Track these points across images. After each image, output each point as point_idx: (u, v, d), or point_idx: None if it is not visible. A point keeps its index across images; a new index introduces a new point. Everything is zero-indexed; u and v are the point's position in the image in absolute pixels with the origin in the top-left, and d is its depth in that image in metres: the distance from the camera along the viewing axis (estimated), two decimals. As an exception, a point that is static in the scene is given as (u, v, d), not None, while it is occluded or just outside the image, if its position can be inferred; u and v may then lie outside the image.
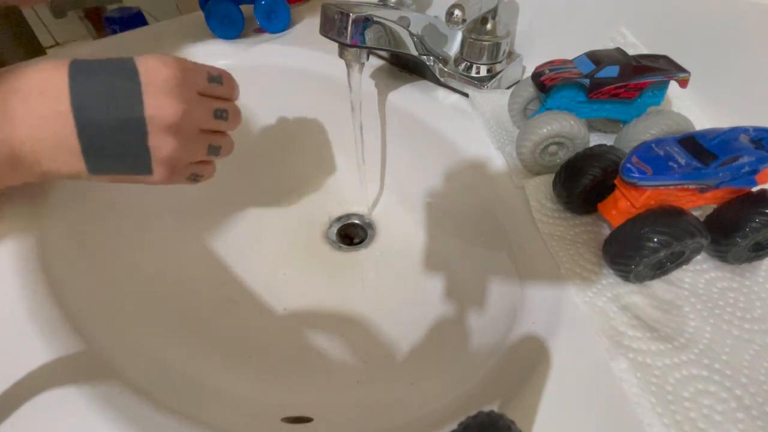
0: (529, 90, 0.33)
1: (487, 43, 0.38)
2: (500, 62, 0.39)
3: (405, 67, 0.44)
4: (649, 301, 0.24)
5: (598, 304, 0.24)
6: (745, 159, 0.22)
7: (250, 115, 0.46)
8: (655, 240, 0.22)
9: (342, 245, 0.43)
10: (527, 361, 0.22)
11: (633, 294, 0.24)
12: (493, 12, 0.37)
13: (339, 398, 0.29)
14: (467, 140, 0.36)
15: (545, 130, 0.29)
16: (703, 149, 0.23)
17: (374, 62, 0.45)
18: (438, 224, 0.41)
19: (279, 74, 0.47)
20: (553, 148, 0.30)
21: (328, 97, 0.45)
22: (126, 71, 0.25)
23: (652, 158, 0.23)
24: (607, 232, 0.27)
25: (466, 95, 0.40)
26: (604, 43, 0.36)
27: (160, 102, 0.25)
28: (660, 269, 0.24)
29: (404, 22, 0.35)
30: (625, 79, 0.29)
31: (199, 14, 0.50)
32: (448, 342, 0.32)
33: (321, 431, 0.25)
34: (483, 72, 0.39)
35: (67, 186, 0.32)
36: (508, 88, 0.39)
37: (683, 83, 0.29)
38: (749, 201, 0.24)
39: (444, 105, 0.40)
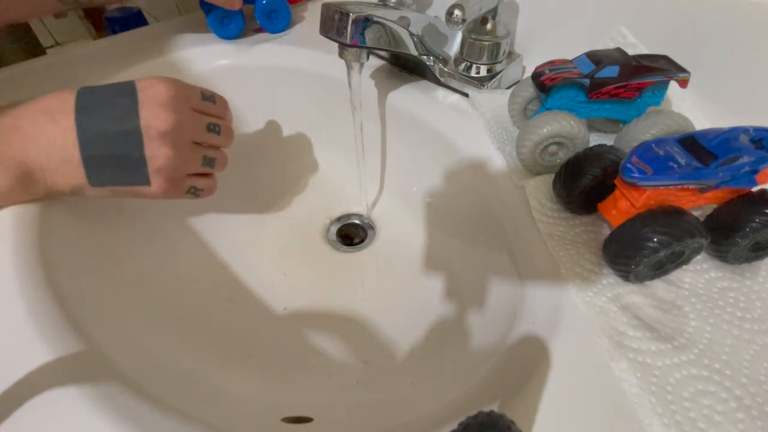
0: (529, 90, 0.33)
1: (487, 43, 0.38)
2: (500, 62, 0.39)
3: (405, 67, 0.44)
4: (649, 301, 0.24)
5: (598, 304, 0.24)
6: (745, 159, 0.22)
7: (250, 115, 0.46)
8: (655, 240, 0.22)
9: (342, 245, 0.43)
10: (527, 361, 0.22)
11: (633, 294, 0.24)
12: (493, 12, 0.37)
13: (339, 398, 0.29)
14: (467, 140, 0.36)
15: (545, 130, 0.29)
16: (703, 149, 0.23)
17: (374, 62, 0.45)
18: (438, 224, 0.41)
19: (279, 74, 0.47)
20: (553, 148, 0.30)
21: (328, 97, 0.45)
22: (125, 89, 0.28)
23: (652, 158, 0.23)
24: (607, 232, 0.27)
25: (466, 95, 0.40)
26: (604, 43, 0.36)
27: (154, 113, 0.27)
28: (660, 269, 0.24)
29: (404, 22, 0.35)
30: (625, 79, 0.29)
31: (199, 14, 0.50)
32: (448, 342, 0.32)
33: (321, 431, 0.25)
34: (483, 72, 0.39)
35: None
36: (508, 88, 0.39)
37: (683, 83, 0.29)
38: (749, 201, 0.24)
39: (444, 105, 0.40)
